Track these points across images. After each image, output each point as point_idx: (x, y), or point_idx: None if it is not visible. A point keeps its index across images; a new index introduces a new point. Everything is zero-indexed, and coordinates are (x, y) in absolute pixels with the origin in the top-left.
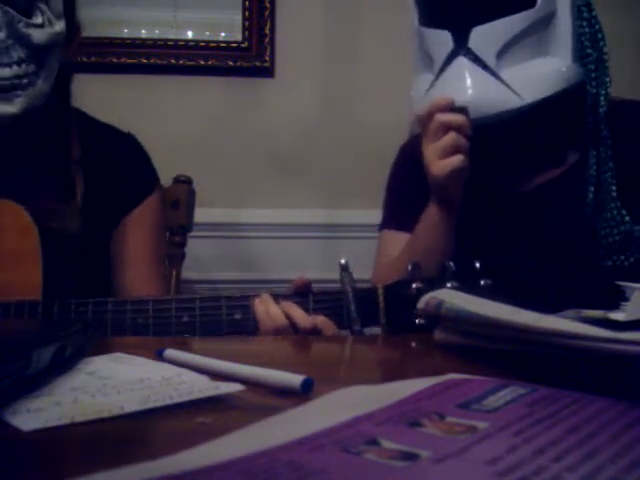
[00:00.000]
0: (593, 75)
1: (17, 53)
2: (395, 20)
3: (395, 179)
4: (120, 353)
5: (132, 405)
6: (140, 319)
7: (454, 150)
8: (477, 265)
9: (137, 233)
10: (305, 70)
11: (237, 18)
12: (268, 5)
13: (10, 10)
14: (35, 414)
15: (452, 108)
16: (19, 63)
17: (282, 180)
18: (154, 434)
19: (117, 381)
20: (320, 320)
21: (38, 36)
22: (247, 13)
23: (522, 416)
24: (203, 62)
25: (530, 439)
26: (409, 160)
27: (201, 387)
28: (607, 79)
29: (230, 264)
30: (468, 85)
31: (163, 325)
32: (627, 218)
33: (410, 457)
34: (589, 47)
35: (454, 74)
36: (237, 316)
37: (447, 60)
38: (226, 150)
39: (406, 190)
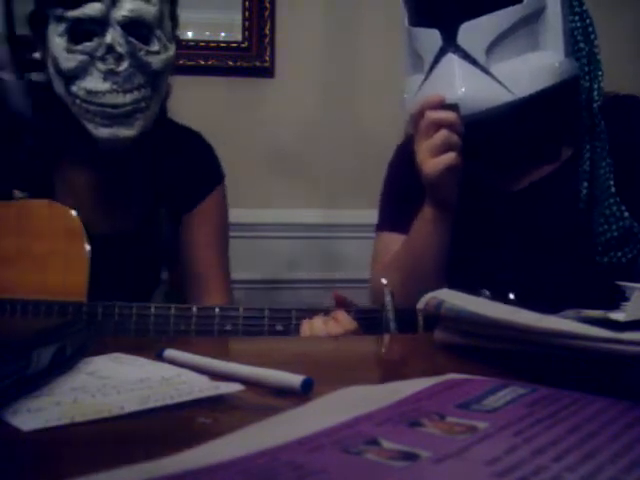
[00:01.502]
0: (586, 69)
1: (137, 80)
2: (395, 20)
3: (391, 180)
4: (120, 353)
5: (132, 405)
6: (182, 325)
7: (446, 148)
8: (511, 296)
9: (202, 226)
10: (305, 70)
11: (237, 18)
12: (268, 5)
13: (133, 40)
14: (35, 414)
15: (443, 105)
16: (139, 88)
17: (282, 180)
18: (154, 434)
19: (117, 381)
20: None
21: (156, 62)
22: (247, 13)
23: (522, 416)
24: (203, 62)
25: (530, 439)
26: (405, 161)
27: (201, 387)
28: (600, 73)
29: (230, 264)
30: (458, 82)
31: (205, 332)
32: (626, 214)
33: (410, 457)
34: (582, 41)
35: (444, 71)
36: (278, 327)
37: (436, 58)
38: (226, 150)
39: (402, 191)
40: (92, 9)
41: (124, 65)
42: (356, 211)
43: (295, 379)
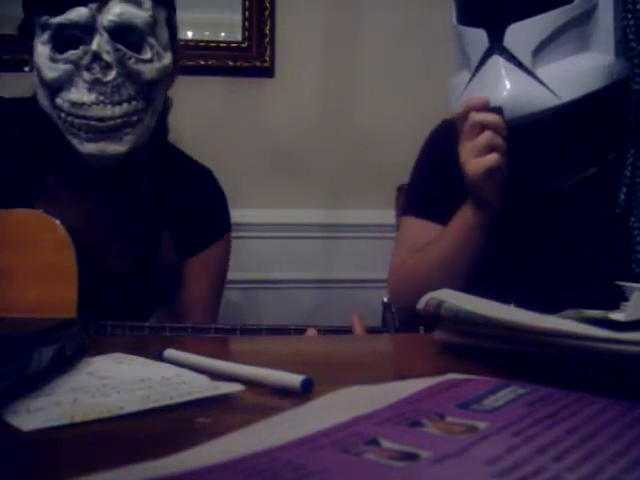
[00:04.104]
0: (637, 70)
1: (127, 90)
2: (395, 20)
3: (421, 165)
4: (120, 353)
5: (132, 405)
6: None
7: (489, 149)
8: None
9: (198, 277)
10: (305, 70)
11: (237, 18)
12: (268, 5)
13: (122, 47)
14: (35, 414)
15: (487, 108)
16: (129, 100)
17: (282, 180)
18: (154, 434)
19: (117, 381)
20: None
21: (148, 72)
22: (247, 13)
23: (522, 416)
24: (203, 62)
25: (530, 439)
26: (437, 146)
27: (201, 387)
28: None
29: (230, 264)
30: (503, 85)
31: None
32: None
33: (410, 457)
34: (634, 40)
35: (489, 73)
36: None
37: (482, 59)
38: (226, 150)
39: (431, 177)
40: (77, 14)
41: (112, 75)
42: (356, 211)
43: (295, 379)
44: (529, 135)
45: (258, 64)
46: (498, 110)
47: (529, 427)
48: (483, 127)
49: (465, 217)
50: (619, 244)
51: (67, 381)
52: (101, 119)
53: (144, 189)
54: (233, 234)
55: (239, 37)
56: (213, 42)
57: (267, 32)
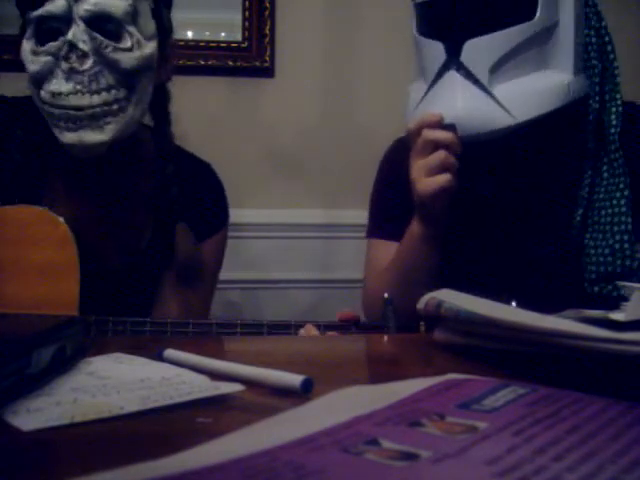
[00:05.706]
0: (596, 89)
1: (106, 79)
2: (395, 20)
3: (379, 186)
4: (120, 353)
5: (132, 405)
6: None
7: (442, 169)
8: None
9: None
10: (305, 70)
11: (237, 18)
12: (268, 5)
13: (98, 36)
14: (35, 414)
15: (441, 125)
16: (108, 89)
17: (282, 180)
18: (154, 434)
19: (117, 381)
20: None
21: (127, 60)
22: (247, 13)
23: (522, 416)
24: (203, 62)
25: (530, 439)
26: (393, 165)
27: (201, 387)
28: (618, 96)
29: (229, 264)
30: (457, 102)
31: None
32: (638, 254)
33: (410, 457)
34: (595, 58)
35: (444, 89)
36: None
37: (439, 73)
38: (226, 150)
39: (390, 197)
40: (54, 6)
41: (88, 63)
42: (355, 211)
43: (295, 379)
44: (483, 151)
45: (258, 64)
46: (451, 127)
47: (529, 427)
48: (436, 145)
49: (413, 233)
50: (572, 263)
51: (67, 381)
52: (79, 108)
53: (145, 184)
54: (233, 234)
55: (239, 37)
56: (213, 42)
57: (267, 32)
